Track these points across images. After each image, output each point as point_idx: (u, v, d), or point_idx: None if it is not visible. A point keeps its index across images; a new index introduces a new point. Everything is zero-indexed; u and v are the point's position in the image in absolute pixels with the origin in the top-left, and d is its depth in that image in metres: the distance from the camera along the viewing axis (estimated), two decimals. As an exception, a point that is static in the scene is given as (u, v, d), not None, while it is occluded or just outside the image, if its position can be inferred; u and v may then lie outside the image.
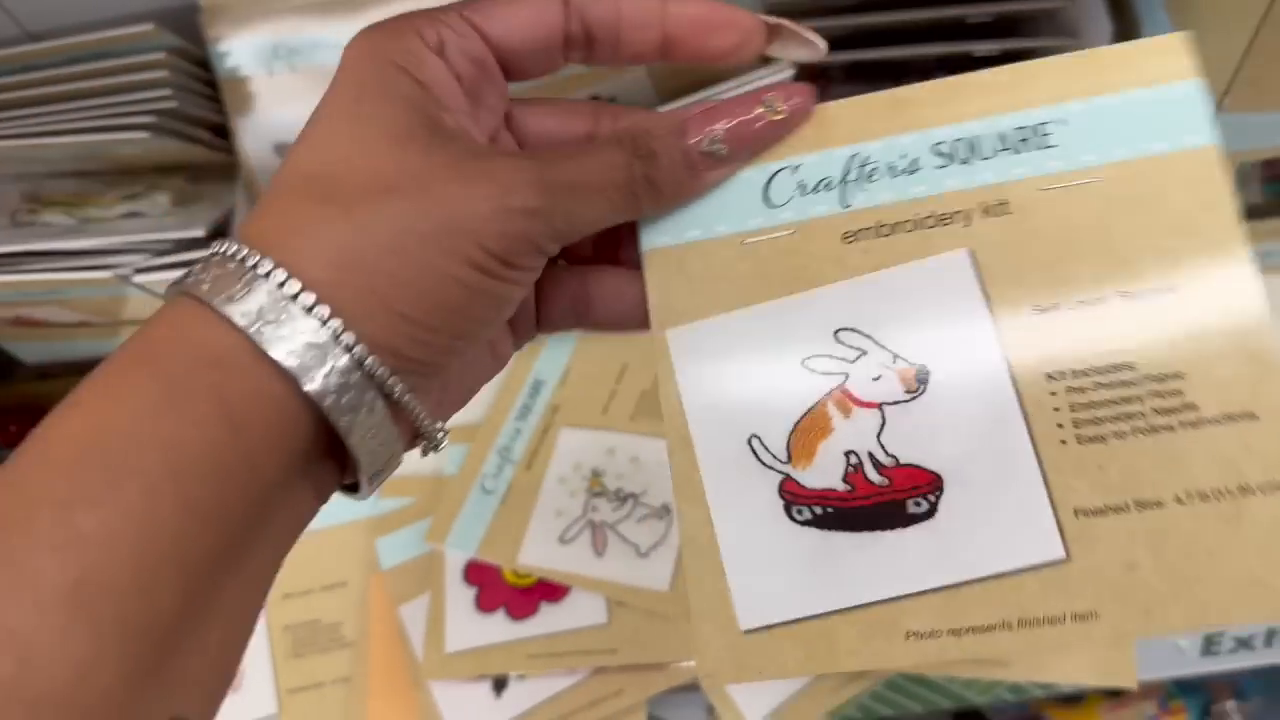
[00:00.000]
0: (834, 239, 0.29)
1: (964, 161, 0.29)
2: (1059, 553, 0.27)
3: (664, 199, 0.29)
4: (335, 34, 0.56)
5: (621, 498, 0.59)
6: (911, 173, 0.29)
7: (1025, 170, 0.28)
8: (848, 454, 0.29)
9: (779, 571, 0.28)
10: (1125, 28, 0.56)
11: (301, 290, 0.23)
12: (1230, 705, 0.70)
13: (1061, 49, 0.32)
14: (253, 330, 0.23)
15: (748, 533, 0.29)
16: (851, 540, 0.28)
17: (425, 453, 0.29)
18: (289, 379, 0.23)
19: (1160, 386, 0.27)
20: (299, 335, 0.23)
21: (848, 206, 0.29)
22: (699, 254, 0.30)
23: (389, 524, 0.60)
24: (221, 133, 0.60)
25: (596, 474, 0.60)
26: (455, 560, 0.58)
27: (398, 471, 0.69)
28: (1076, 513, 0.27)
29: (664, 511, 0.58)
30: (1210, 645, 0.55)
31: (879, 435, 0.29)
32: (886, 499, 0.28)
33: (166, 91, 0.54)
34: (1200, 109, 0.28)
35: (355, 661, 0.58)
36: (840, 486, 0.29)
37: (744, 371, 0.29)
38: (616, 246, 0.32)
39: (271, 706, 0.57)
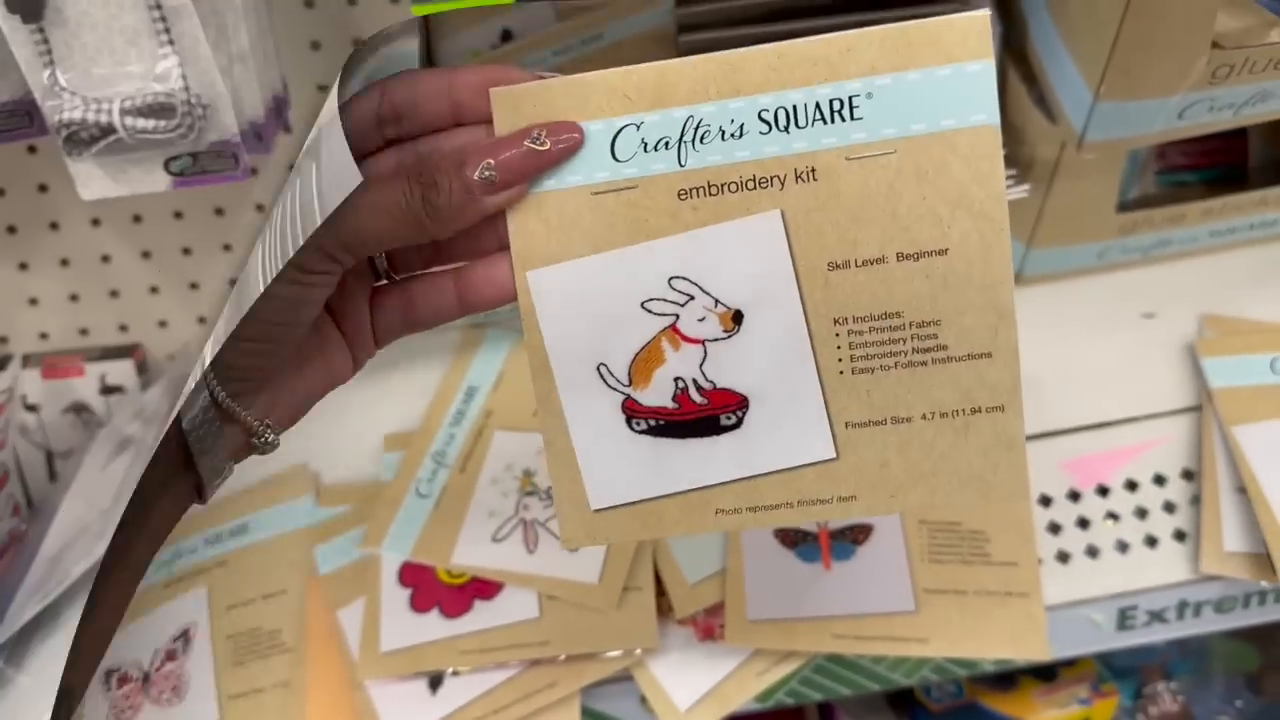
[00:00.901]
0: (670, 195, 0.34)
1: (784, 129, 0.33)
2: (831, 453, 0.36)
3: (445, 221, 0.33)
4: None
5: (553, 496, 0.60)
6: (739, 137, 0.33)
7: (834, 140, 0.33)
8: (676, 379, 0.36)
9: (620, 468, 0.37)
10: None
11: None
12: (1161, 686, 0.71)
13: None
14: None
15: (597, 439, 0.36)
16: (677, 445, 0.36)
17: (263, 452, 0.35)
18: None
19: (921, 331, 0.34)
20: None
21: (683, 165, 0.34)
22: (554, 202, 0.34)
23: (327, 531, 0.61)
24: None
25: (528, 474, 0.61)
26: (391, 563, 0.59)
27: (336, 479, 0.69)
28: (847, 425, 0.35)
29: (593, 507, 0.59)
30: (1124, 619, 0.57)
31: (701, 365, 0.35)
32: (705, 414, 0.36)
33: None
34: (988, 88, 0.32)
35: (294, 666, 0.58)
36: (670, 405, 0.36)
37: (594, 311, 0.35)
38: (436, 259, 0.36)
39: (213, 714, 0.58)
